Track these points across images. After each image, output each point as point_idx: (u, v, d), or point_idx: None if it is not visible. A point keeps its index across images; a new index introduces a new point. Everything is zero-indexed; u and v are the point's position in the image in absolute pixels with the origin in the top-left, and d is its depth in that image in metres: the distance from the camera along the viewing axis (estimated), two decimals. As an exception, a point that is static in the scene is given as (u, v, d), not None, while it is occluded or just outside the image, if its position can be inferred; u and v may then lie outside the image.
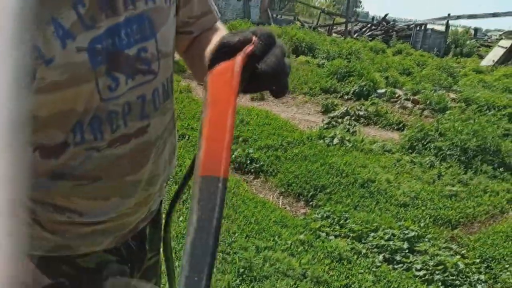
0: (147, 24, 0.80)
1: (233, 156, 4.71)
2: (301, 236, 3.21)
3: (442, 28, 22.29)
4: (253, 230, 3.20)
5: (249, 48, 0.65)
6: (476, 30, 30.23)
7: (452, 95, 8.58)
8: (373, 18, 32.41)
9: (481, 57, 18.30)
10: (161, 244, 1.09)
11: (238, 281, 2.59)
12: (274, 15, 23.08)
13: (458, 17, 22.57)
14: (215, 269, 2.65)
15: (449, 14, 22.05)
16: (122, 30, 0.76)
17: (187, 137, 4.96)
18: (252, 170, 4.55)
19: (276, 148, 5.01)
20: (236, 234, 3.09)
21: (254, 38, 0.65)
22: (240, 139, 5.11)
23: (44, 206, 0.80)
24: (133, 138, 0.83)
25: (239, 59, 0.64)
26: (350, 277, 2.79)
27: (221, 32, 0.94)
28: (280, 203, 4.01)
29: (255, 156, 4.69)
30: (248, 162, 4.62)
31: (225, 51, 0.64)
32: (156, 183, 0.93)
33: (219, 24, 1.01)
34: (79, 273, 0.88)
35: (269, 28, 0.69)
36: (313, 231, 3.35)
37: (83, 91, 0.73)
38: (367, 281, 2.77)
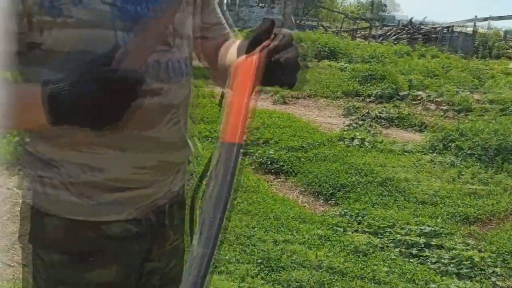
0: (165, 5, 0.92)
1: (254, 156, 4.86)
2: (319, 231, 3.32)
3: (481, 30, 22.00)
4: (272, 225, 3.33)
5: (268, 44, 0.80)
6: (506, 32, 29.67)
7: (477, 97, 8.52)
8: (399, 22, 32.17)
9: (510, 59, 17.98)
10: (186, 226, 1.19)
11: (256, 270, 2.72)
12: (298, 21, 23.23)
13: (486, 19, 22.27)
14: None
15: (476, 16, 21.76)
16: (143, 3, 0.92)
17: (209, 139, 5.13)
18: (273, 170, 4.69)
19: (297, 149, 5.13)
20: (256, 229, 3.23)
21: (273, 36, 0.81)
22: (261, 140, 5.26)
23: (69, 165, 0.94)
24: (148, 95, 0.93)
25: (258, 52, 0.79)
26: (365, 268, 2.89)
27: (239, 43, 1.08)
28: (300, 202, 4.13)
29: (276, 157, 4.83)
30: (269, 162, 4.76)
31: (252, 45, 0.81)
32: (171, 153, 1.03)
33: (231, 37, 1.17)
34: (102, 238, 1.00)
35: (289, 31, 0.83)
36: (330, 226, 3.46)
37: (102, 36, 0.87)
38: (381, 272, 2.86)
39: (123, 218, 1.01)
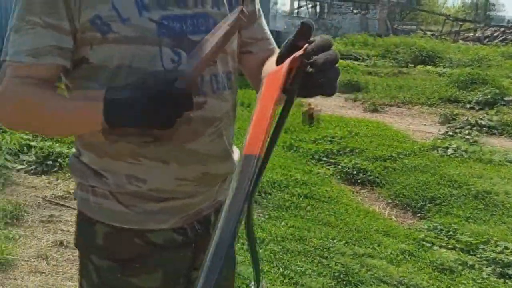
0: (211, 22, 0.99)
1: (339, 166, 4.77)
2: (403, 245, 3.17)
3: None
4: (353, 237, 3.24)
5: (299, 52, 0.77)
6: None
7: None
8: (508, 21, 29.80)
9: None
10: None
11: (333, 284, 2.66)
12: (395, 26, 22.46)
13: None
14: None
15: None
16: (189, 20, 0.96)
17: (294, 149, 5.13)
18: (359, 180, 4.56)
19: (385, 158, 4.94)
20: (335, 240, 3.16)
21: (306, 44, 0.78)
22: (347, 149, 5.14)
23: (116, 175, 0.99)
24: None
25: (287, 61, 0.77)
26: (451, 287, 2.70)
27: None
28: (386, 214, 3.97)
29: (363, 166, 4.69)
30: (355, 172, 4.64)
31: (286, 52, 0.80)
32: (214, 165, 1.05)
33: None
34: (148, 246, 1.04)
35: (327, 36, 0.80)
36: (416, 240, 3.28)
37: (148, 52, 0.92)
38: (470, 292, 2.65)
39: (168, 226, 1.05)
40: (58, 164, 4.25)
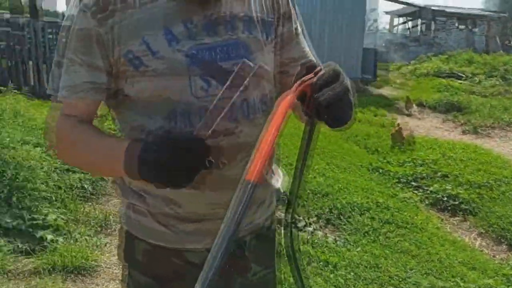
0: (242, 48, 1.00)
1: (428, 191, 4.53)
2: (490, 281, 2.91)
3: None
4: (434, 268, 3.05)
5: (306, 82, 0.79)
6: None
7: None
8: None
9: None
10: (276, 260, 1.21)
11: (405, 316, 2.52)
12: (507, 42, 20.88)
13: None
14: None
15: None
16: (219, 48, 0.98)
17: (378, 171, 4.97)
18: (449, 207, 4.29)
19: (480, 185, 4.59)
20: (413, 271, 2.99)
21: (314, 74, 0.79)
22: (439, 174, 4.86)
23: (154, 197, 1.04)
24: (222, 136, 0.98)
25: (293, 89, 0.79)
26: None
27: None
28: (477, 245, 3.68)
29: (454, 192, 4.41)
30: (445, 198, 4.37)
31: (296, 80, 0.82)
32: None
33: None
34: (185, 265, 1.07)
35: (334, 66, 0.80)
36: (506, 277, 3.00)
37: (178, 83, 0.95)
38: None
39: (203, 246, 1.05)
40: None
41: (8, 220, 2.90)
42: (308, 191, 3.95)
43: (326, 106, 0.76)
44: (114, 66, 0.97)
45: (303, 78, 0.78)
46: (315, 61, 1.15)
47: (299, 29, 1.17)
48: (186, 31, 0.96)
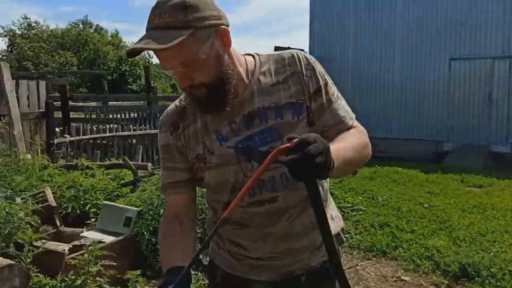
0: (275, 132, 1.25)
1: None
2: None
3: None
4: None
5: (281, 147, 0.96)
6: None
7: None
8: None
9: None
10: None
11: None
12: None
13: None
14: None
15: None
16: (256, 137, 1.25)
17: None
18: None
19: None
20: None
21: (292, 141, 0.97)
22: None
23: (227, 241, 1.37)
24: (266, 203, 1.27)
25: (272, 153, 0.96)
26: None
27: (343, 136, 1.26)
28: None
29: None
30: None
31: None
32: (296, 241, 1.31)
33: (352, 130, 1.31)
34: None
35: (307, 136, 0.96)
36: None
37: (231, 170, 1.26)
38: None
39: (264, 279, 1.36)
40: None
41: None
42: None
43: (285, 165, 0.95)
44: (192, 164, 1.33)
45: (280, 147, 0.96)
46: (350, 123, 1.33)
47: (334, 95, 1.33)
48: (231, 130, 1.27)
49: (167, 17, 1.10)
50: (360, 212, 5.66)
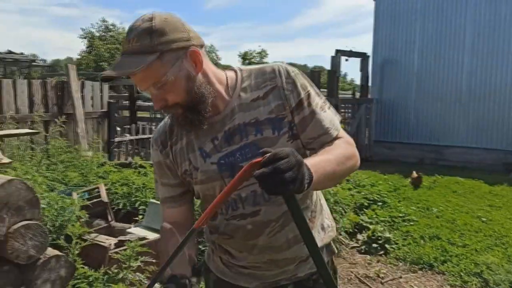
0: (255, 148, 1.27)
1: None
2: None
3: None
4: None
5: (253, 161, 0.96)
6: None
7: None
8: None
9: None
10: None
11: None
12: None
13: None
14: None
15: None
16: (237, 153, 1.28)
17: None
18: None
19: None
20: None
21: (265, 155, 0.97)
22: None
23: (219, 247, 1.43)
24: (249, 217, 1.31)
25: (245, 166, 0.96)
26: None
27: (327, 149, 1.25)
28: None
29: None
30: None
31: None
32: (279, 252, 1.34)
33: (337, 141, 1.31)
34: None
35: (280, 151, 0.96)
36: None
37: (216, 185, 1.30)
38: None
39: (253, 287, 1.42)
40: (384, 248, 4.70)
41: None
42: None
43: (256, 178, 0.93)
44: (183, 179, 1.38)
45: (252, 161, 0.96)
46: (335, 134, 1.32)
47: (318, 107, 1.31)
48: (213, 147, 1.30)
49: (135, 42, 1.15)
50: (412, 223, 5.47)
